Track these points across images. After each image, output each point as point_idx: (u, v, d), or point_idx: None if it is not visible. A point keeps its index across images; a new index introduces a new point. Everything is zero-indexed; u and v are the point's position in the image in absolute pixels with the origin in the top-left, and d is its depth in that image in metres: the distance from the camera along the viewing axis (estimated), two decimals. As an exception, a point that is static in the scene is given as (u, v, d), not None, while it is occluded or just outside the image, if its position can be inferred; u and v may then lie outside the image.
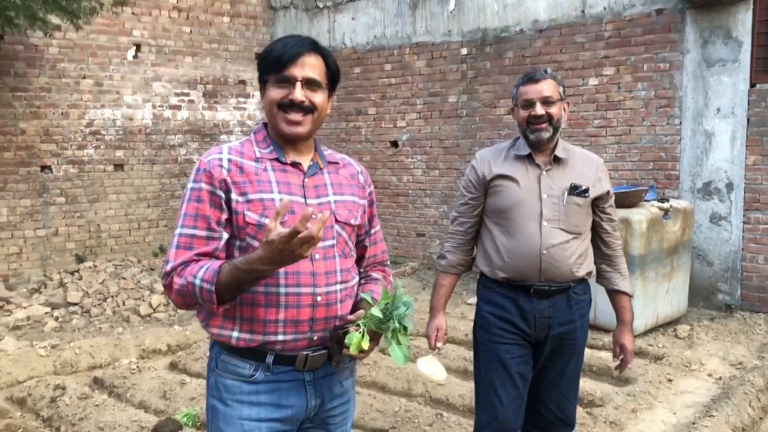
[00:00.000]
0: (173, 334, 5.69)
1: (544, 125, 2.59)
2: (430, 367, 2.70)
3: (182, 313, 6.60)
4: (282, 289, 1.80)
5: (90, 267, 7.76)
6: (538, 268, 2.60)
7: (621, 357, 2.83)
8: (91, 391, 4.47)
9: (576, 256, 2.65)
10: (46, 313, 6.45)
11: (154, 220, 8.65)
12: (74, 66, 7.89)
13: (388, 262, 2.22)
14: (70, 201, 7.98)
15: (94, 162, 8.13)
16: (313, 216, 1.63)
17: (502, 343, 2.67)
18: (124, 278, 7.40)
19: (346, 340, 1.77)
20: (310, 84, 1.84)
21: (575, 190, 2.64)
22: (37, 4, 6.22)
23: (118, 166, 8.33)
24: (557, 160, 2.67)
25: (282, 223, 1.76)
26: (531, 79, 2.62)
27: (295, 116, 1.83)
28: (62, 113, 7.85)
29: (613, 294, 2.85)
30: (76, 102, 7.94)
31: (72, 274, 7.55)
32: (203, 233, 1.80)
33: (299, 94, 1.82)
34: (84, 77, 7.97)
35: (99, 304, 6.71)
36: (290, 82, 1.82)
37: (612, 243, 2.81)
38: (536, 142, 2.62)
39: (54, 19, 6.62)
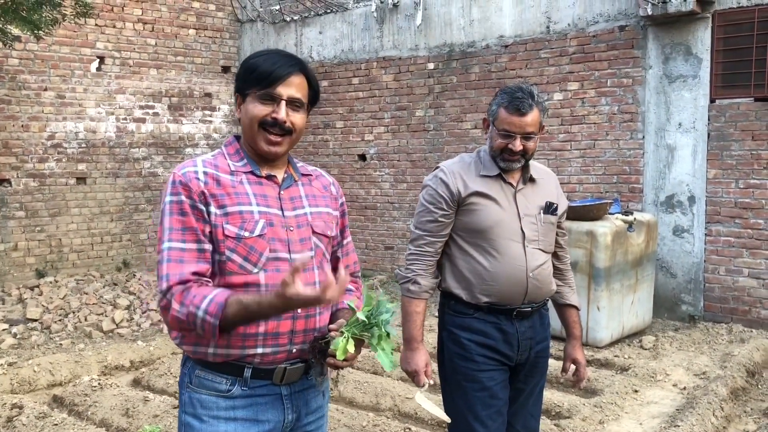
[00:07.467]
0: (137, 350, 5.58)
1: (516, 158, 2.45)
2: (428, 404, 2.44)
3: (146, 328, 6.47)
4: None
5: (51, 282, 7.57)
6: (525, 291, 2.50)
7: (574, 371, 2.78)
8: (50, 410, 4.33)
9: (551, 275, 2.64)
10: (3, 329, 6.25)
11: (118, 234, 8.50)
12: (35, 78, 7.75)
13: (360, 274, 2.21)
14: (31, 215, 7.79)
15: (55, 175, 7.97)
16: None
17: (486, 370, 2.51)
18: (87, 293, 7.23)
19: (332, 346, 1.76)
20: (292, 103, 1.84)
21: (549, 209, 2.57)
22: (-3, 14, 6.09)
23: (81, 180, 8.18)
24: (531, 180, 2.58)
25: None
26: (518, 110, 2.39)
27: (275, 137, 1.84)
28: (22, 126, 7.69)
29: (564, 308, 2.79)
30: (37, 114, 7.79)
31: (32, 289, 7.36)
32: (193, 246, 1.76)
33: (283, 113, 1.82)
34: (45, 89, 7.82)
35: (60, 320, 6.54)
36: (275, 100, 1.82)
37: (564, 257, 2.78)
38: (505, 169, 2.50)
39: (14, 30, 6.48)
